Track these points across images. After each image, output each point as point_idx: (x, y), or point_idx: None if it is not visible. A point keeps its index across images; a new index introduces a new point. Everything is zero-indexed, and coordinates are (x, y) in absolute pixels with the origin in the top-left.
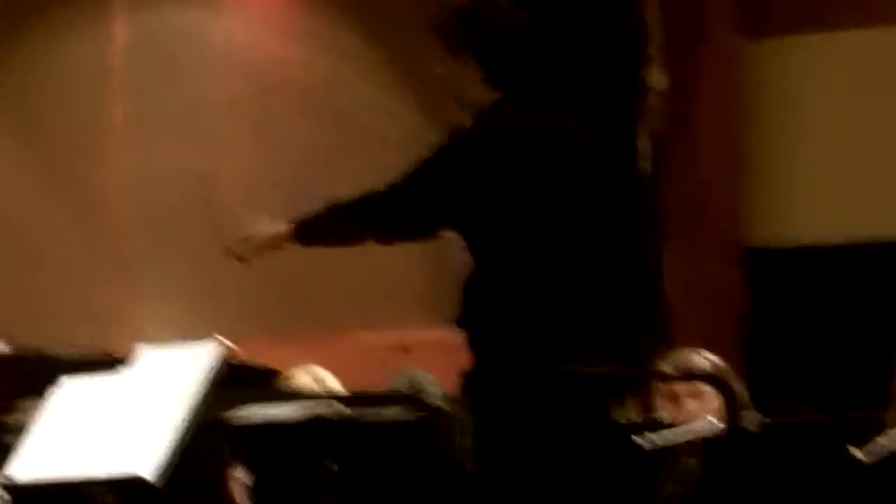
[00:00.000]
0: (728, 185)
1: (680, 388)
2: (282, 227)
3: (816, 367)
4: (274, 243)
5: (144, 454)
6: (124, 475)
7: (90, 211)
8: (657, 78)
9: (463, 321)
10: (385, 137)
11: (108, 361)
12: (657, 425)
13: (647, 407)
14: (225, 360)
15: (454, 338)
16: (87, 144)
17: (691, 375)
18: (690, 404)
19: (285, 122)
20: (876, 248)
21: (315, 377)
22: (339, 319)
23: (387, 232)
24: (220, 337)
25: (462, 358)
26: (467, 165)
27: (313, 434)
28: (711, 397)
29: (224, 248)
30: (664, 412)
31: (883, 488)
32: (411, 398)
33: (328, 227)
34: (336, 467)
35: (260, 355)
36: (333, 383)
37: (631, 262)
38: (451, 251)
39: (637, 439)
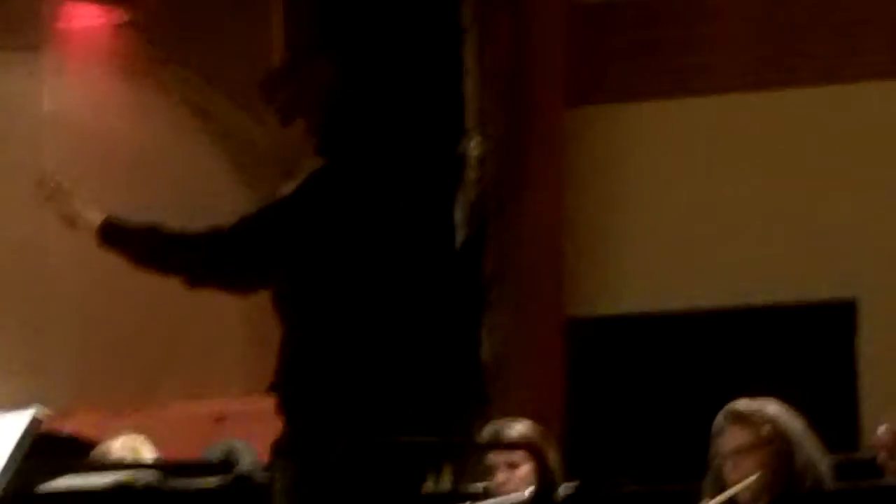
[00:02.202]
0: (552, 253)
1: (496, 457)
2: (96, 217)
3: (637, 437)
4: (79, 225)
5: None
6: None
7: None
8: (475, 149)
9: (279, 387)
10: (215, 208)
11: None
12: (467, 496)
13: (464, 476)
14: (38, 430)
15: (272, 406)
16: None
17: (505, 445)
18: (506, 474)
19: (114, 190)
20: (697, 317)
21: (130, 447)
22: (164, 390)
23: (200, 274)
24: (40, 406)
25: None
26: (288, 228)
27: (120, 503)
28: (527, 467)
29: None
30: (482, 481)
31: None
32: (219, 466)
33: (140, 242)
34: None
35: (85, 426)
36: (148, 453)
37: (450, 328)
38: (269, 318)
39: None
